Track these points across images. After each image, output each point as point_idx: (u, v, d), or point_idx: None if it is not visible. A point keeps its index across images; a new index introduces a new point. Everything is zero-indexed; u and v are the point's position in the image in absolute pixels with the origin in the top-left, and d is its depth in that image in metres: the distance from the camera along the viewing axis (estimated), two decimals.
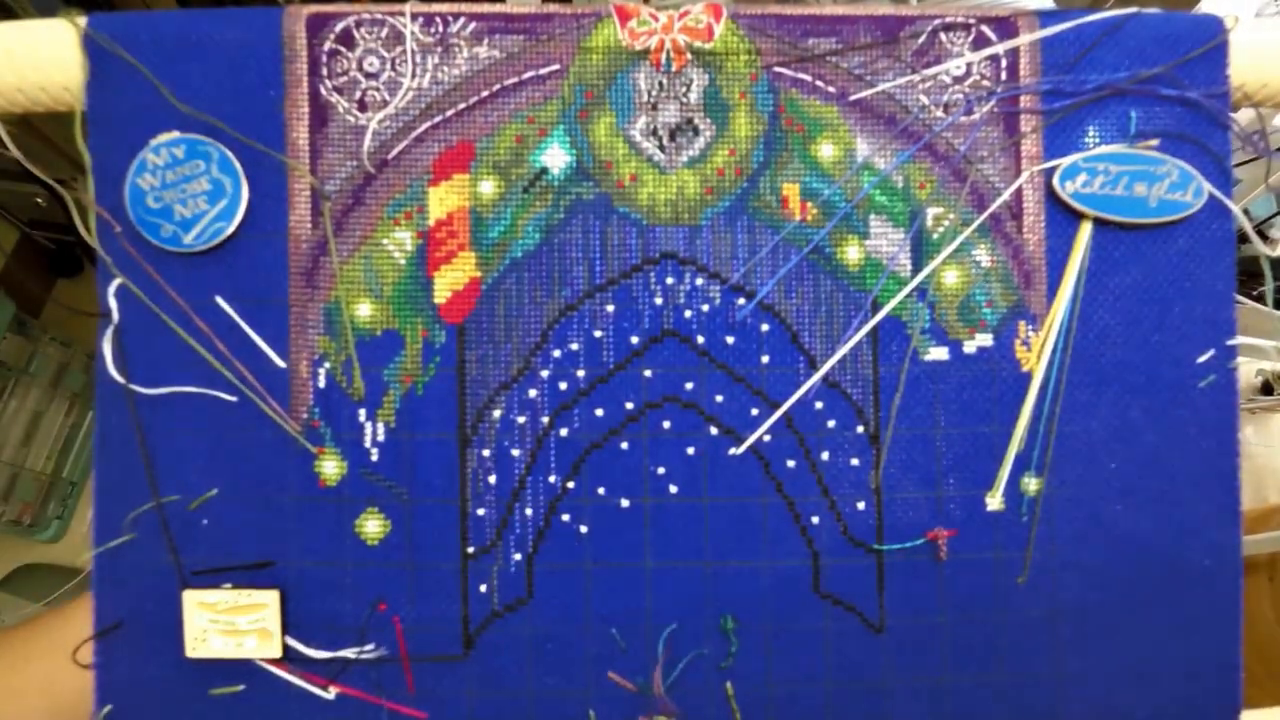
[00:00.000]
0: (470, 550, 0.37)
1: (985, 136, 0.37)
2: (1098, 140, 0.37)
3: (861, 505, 0.37)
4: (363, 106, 0.36)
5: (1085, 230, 0.37)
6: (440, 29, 0.35)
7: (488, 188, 0.36)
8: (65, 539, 1.20)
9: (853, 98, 0.36)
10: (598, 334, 0.37)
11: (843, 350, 0.37)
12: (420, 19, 0.35)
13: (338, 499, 0.36)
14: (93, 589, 0.36)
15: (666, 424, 0.37)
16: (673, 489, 0.37)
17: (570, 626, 0.37)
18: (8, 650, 0.38)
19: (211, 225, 0.35)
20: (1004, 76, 0.36)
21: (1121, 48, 0.36)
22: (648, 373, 0.37)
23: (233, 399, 0.36)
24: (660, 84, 0.36)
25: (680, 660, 0.37)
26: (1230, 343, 0.37)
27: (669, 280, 0.37)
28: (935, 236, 0.37)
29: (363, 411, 0.36)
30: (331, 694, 0.37)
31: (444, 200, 0.36)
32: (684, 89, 0.36)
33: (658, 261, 0.37)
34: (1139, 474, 0.37)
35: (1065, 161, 0.36)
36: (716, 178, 0.36)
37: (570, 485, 0.37)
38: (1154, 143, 0.36)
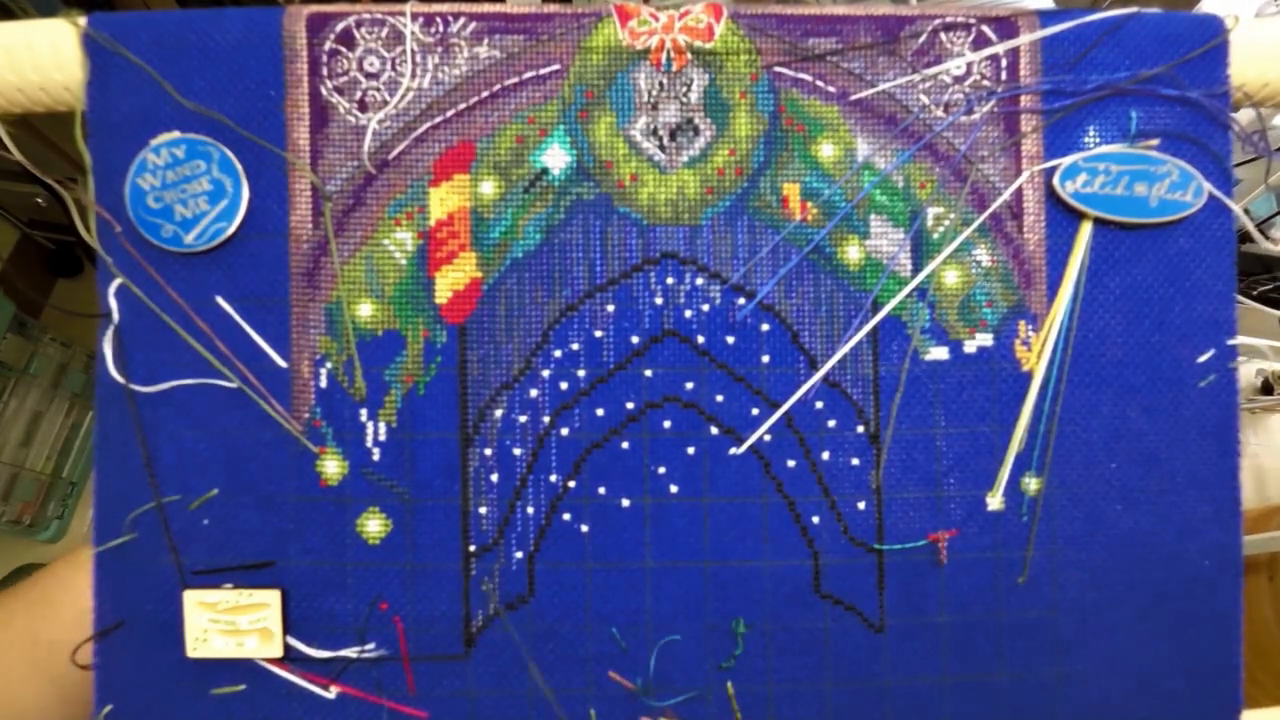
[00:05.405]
0: (473, 548, 0.37)
1: (985, 136, 0.37)
2: (1098, 140, 0.37)
3: (862, 505, 0.37)
4: (363, 106, 0.36)
5: (1085, 230, 0.37)
6: (440, 29, 0.35)
7: (488, 188, 0.36)
8: (65, 539, 1.20)
9: (853, 98, 0.36)
10: (598, 334, 0.37)
11: (843, 350, 0.37)
12: (420, 19, 0.35)
13: (339, 498, 0.36)
14: (93, 589, 0.36)
15: (667, 424, 0.37)
16: (673, 489, 0.37)
17: (571, 626, 0.37)
18: None
19: (212, 225, 0.35)
20: (1004, 76, 0.36)
21: (1122, 48, 0.36)
22: (648, 372, 0.37)
23: (234, 399, 0.36)
24: (660, 84, 0.36)
25: (682, 660, 0.37)
26: (1230, 343, 0.37)
27: (669, 280, 0.37)
28: (935, 236, 0.37)
29: (364, 411, 0.36)
30: (332, 693, 0.37)
31: (445, 200, 0.36)
32: (684, 89, 0.36)
33: (658, 261, 0.37)
34: (1139, 474, 0.37)
35: (1065, 161, 0.36)
36: (717, 178, 0.36)
37: (571, 484, 0.37)
38: (1154, 142, 0.36)
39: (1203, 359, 0.37)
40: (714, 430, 0.37)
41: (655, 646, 0.37)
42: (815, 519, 0.37)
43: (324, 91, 0.35)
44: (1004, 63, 0.36)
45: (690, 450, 0.37)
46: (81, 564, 0.37)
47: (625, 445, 0.37)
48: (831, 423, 0.37)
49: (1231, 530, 0.38)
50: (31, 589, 0.38)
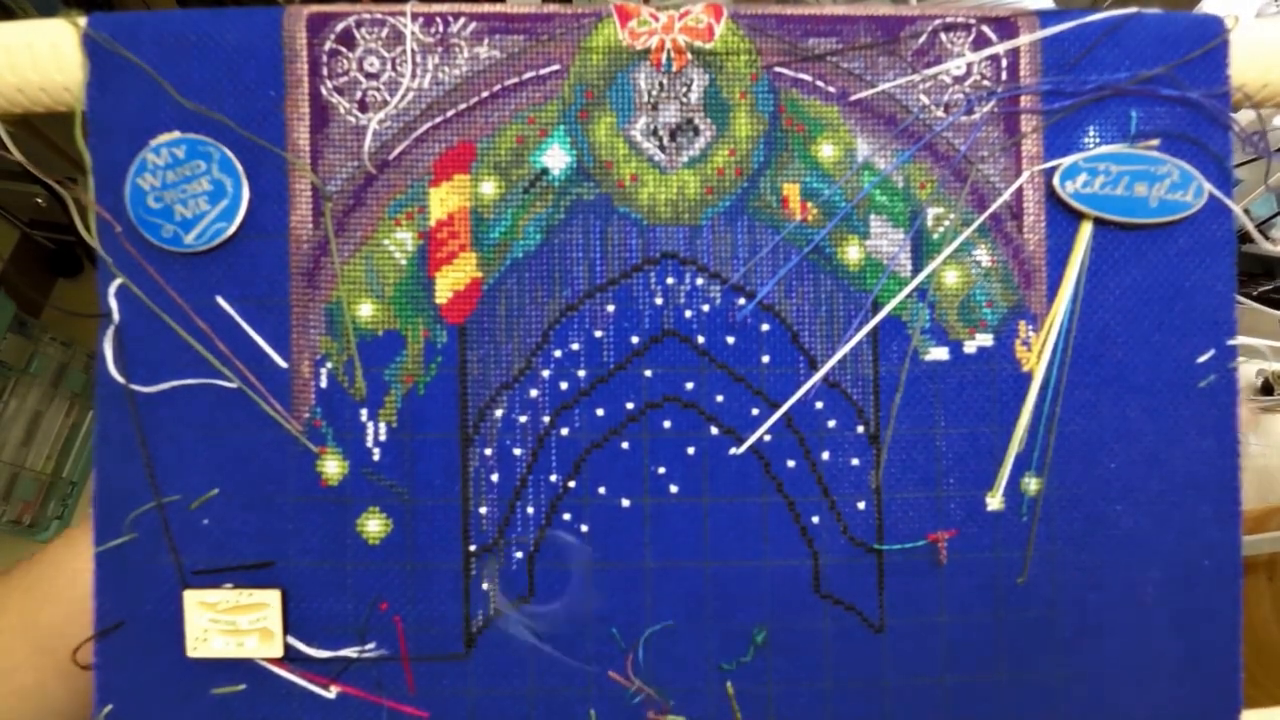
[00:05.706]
0: (473, 548, 0.37)
1: (985, 136, 0.37)
2: (1098, 140, 0.37)
3: (861, 505, 0.37)
4: (363, 107, 0.36)
5: (1085, 230, 0.37)
6: (440, 29, 0.35)
7: (488, 188, 0.36)
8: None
9: (853, 98, 0.36)
10: (598, 334, 0.37)
11: (843, 350, 0.37)
12: (420, 19, 0.35)
13: (339, 498, 0.36)
14: (93, 589, 0.36)
15: (667, 424, 0.37)
16: (673, 489, 0.37)
17: (571, 625, 0.37)
18: None
19: (212, 225, 0.35)
20: (1004, 76, 0.36)
21: (1122, 48, 0.36)
22: (648, 372, 0.37)
23: (234, 399, 0.36)
24: (660, 84, 0.36)
25: (681, 661, 0.37)
26: (1230, 343, 0.37)
27: (669, 280, 0.37)
28: (935, 236, 0.37)
29: (364, 411, 0.36)
30: (332, 693, 0.37)
31: (445, 201, 0.36)
32: (684, 89, 0.36)
33: (658, 261, 0.37)
34: (1139, 474, 0.37)
35: (1065, 161, 0.36)
36: (717, 178, 0.36)
37: (571, 484, 0.37)
38: (1154, 143, 0.36)
39: (1203, 359, 0.37)
40: (714, 430, 0.37)
41: (655, 647, 0.37)
42: (815, 519, 0.37)
43: (324, 91, 0.35)
44: (1004, 63, 0.36)
45: (690, 450, 0.37)
46: (77, 549, 0.37)
47: (625, 445, 0.37)
48: (831, 423, 0.37)
49: (1231, 530, 0.38)
50: (27, 574, 0.39)
